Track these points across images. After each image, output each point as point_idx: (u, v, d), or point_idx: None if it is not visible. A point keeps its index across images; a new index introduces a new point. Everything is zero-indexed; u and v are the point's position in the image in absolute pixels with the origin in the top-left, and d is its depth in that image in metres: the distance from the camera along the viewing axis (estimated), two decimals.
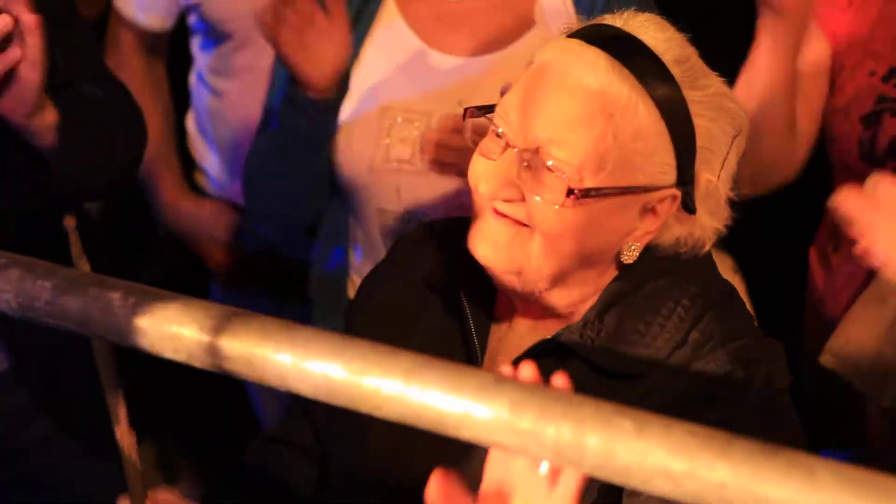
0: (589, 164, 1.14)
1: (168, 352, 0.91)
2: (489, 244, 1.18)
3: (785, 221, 1.87)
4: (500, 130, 1.17)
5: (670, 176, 1.18)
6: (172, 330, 0.90)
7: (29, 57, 1.35)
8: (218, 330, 0.89)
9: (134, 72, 2.06)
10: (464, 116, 1.24)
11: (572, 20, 1.59)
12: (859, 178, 1.53)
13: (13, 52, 1.33)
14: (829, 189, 1.68)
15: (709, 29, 1.79)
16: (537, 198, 1.15)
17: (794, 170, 1.70)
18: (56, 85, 1.55)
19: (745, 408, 1.15)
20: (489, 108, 1.22)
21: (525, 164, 1.15)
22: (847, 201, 1.11)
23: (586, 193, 1.14)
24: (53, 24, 1.52)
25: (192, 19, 2.14)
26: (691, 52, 1.23)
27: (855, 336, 1.56)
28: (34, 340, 1.76)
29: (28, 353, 1.81)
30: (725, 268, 1.81)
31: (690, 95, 1.17)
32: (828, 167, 1.76)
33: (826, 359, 1.58)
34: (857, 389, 1.56)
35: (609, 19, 1.22)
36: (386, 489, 1.30)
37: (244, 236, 2.21)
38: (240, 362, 0.88)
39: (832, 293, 1.69)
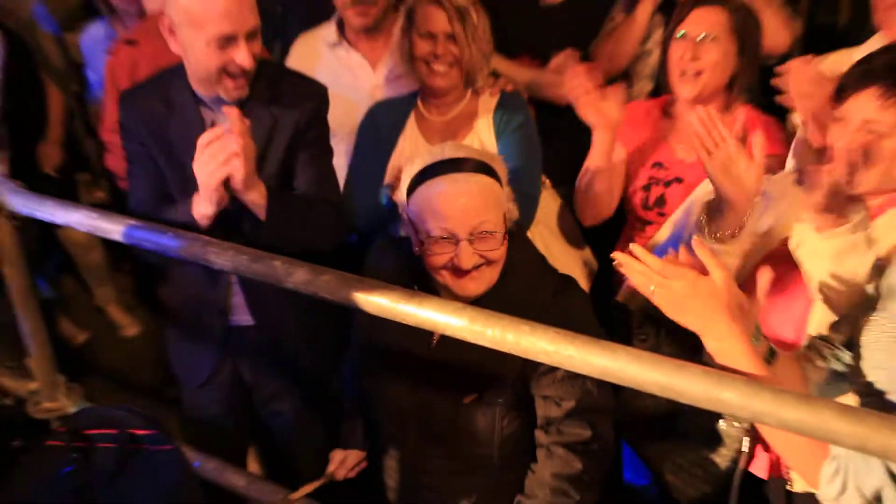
0: (501, 221, 1.74)
1: (304, 290, 1.46)
2: (477, 287, 1.75)
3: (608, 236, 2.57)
4: (446, 236, 1.71)
5: (504, 201, 1.79)
6: (305, 279, 1.46)
7: (239, 163, 1.79)
8: (330, 281, 1.44)
9: None
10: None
11: (491, 130, 2.30)
12: (640, 219, 2.34)
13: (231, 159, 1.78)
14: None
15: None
16: (491, 251, 1.72)
17: (611, 212, 2.40)
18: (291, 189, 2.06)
19: (571, 319, 1.67)
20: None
21: (473, 240, 1.70)
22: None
23: (508, 236, 1.75)
24: (309, 154, 2.07)
25: None
26: (496, 153, 1.80)
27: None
28: (269, 308, 2.19)
29: (263, 316, 2.20)
30: (580, 259, 2.55)
31: (489, 159, 1.81)
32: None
33: (621, 296, 2.19)
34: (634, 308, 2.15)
35: (449, 152, 1.79)
36: (403, 415, 1.89)
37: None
38: (328, 290, 1.45)
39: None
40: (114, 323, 3.93)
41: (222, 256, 1.57)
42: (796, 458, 1.42)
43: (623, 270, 1.42)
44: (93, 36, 3.22)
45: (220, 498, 2.07)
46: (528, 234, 2.36)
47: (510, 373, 1.76)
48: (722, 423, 1.96)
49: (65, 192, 3.55)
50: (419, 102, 2.36)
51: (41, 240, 3.46)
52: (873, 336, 1.44)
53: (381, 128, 2.32)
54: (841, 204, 1.58)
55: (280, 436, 2.41)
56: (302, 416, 2.32)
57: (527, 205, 2.27)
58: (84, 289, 3.99)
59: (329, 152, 2.14)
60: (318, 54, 2.65)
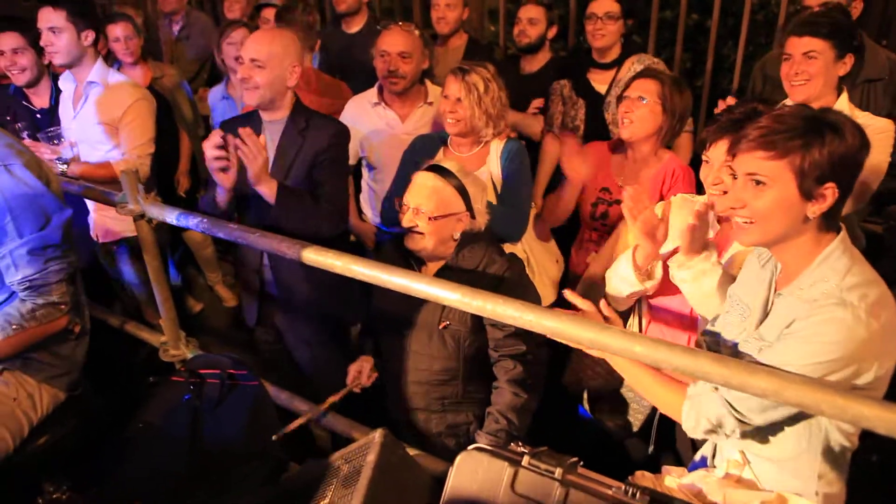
0: (435, 208, 1.82)
1: (349, 275, 1.47)
2: (420, 245, 1.83)
3: (567, 235, 2.60)
4: (412, 207, 1.83)
5: (462, 206, 1.87)
6: (355, 267, 1.49)
7: (250, 158, 1.87)
8: (359, 262, 1.46)
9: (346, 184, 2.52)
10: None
11: (498, 166, 2.31)
12: (588, 227, 2.39)
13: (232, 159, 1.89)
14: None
15: None
16: (426, 224, 1.80)
17: (564, 219, 2.46)
18: (305, 190, 2.06)
19: (512, 287, 1.82)
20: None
21: (417, 214, 1.80)
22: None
23: (435, 219, 1.81)
24: (324, 168, 2.09)
25: (363, 159, 2.77)
26: (463, 166, 1.86)
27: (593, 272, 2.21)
28: (287, 283, 2.22)
29: (284, 289, 2.24)
30: (550, 250, 2.57)
31: (465, 181, 1.87)
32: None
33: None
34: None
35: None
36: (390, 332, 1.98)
37: (378, 237, 2.82)
38: (362, 274, 1.46)
39: (577, 265, 2.42)
40: (220, 297, 3.99)
41: (291, 249, 1.59)
42: (663, 404, 1.49)
43: None
44: (214, 94, 3.33)
45: (289, 418, 2.11)
46: None
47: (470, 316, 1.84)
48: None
49: (189, 206, 3.61)
50: (449, 142, 2.38)
51: (171, 238, 3.48)
52: (722, 320, 1.53)
53: (418, 156, 2.32)
54: (700, 244, 1.62)
55: (306, 370, 2.41)
56: (317, 357, 2.35)
57: (520, 219, 2.32)
58: (200, 273, 4.04)
59: (342, 168, 2.21)
60: (364, 110, 2.68)
